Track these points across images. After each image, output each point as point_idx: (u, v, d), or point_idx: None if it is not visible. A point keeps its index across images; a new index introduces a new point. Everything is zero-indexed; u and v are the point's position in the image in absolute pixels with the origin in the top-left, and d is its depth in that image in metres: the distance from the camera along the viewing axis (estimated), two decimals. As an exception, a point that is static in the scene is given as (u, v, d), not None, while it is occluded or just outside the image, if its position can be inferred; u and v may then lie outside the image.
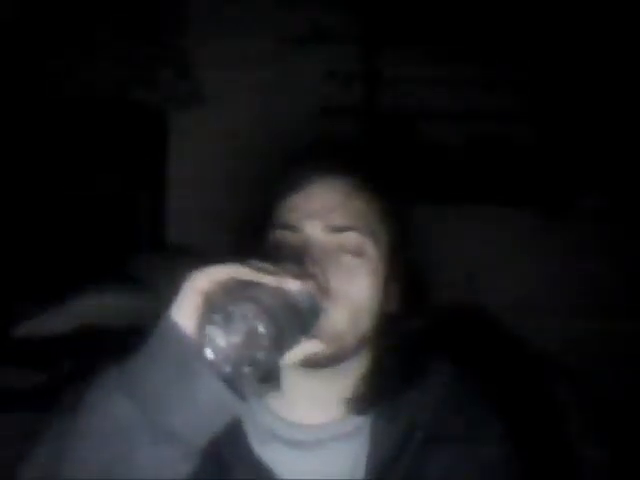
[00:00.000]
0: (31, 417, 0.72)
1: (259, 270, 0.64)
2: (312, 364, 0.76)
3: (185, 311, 0.62)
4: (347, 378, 0.81)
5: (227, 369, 0.59)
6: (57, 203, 1.92)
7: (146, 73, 1.93)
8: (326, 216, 0.77)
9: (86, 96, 1.91)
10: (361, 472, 0.80)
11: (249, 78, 1.93)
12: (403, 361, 0.82)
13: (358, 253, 0.77)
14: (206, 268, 0.63)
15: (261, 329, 0.58)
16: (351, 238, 0.77)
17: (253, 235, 0.81)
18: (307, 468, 0.80)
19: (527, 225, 1.91)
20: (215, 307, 0.60)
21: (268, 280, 0.64)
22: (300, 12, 1.93)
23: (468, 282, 1.71)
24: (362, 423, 0.81)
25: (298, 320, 0.64)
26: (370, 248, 0.78)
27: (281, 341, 0.60)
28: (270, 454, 0.80)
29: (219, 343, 0.59)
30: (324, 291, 0.72)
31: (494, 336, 1.61)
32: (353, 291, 0.76)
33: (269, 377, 0.82)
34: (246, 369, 0.59)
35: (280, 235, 0.79)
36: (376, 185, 0.82)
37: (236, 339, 0.58)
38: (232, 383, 0.62)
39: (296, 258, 0.73)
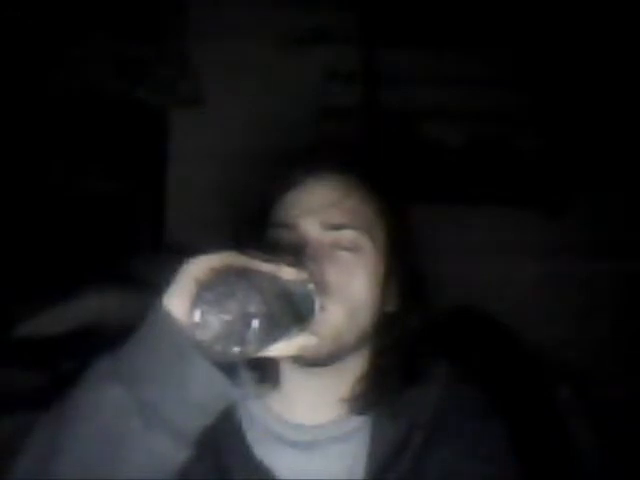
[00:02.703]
0: (31, 417, 0.72)
1: (254, 258, 0.64)
2: (311, 362, 0.76)
3: (178, 298, 0.62)
4: (347, 378, 0.81)
5: (218, 348, 0.59)
6: (56, 203, 1.92)
7: (146, 73, 1.93)
8: (322, 213, 0.78)
9: (86, 96, 1.91)
10: (361, 472, 0.80)
11: (249, 78, 1.93)
12: (403, 361, 0.82)
13: (354, 250, 0.78)
14: (200, 256, 0.63)
15: (252, 309, 0.58)
16: (347, 235, 0.78)
17: (252, 234, 0.81)
18: (307, 468, 0.80)
19: (527, 225, 1.91)
20: (207, 286, 0.60)
21: (262, 266, 0.64)
22: (300, 12, 1.92)
23: (467, 282, 1.71)
24: (362, 423, 0.82)
25: (291, 308, 0.64)
26: (367, 245, 0.78)
27: (272, 325, 0.59)
28: (270, 454, 0.81)
29: (209, 321, 0.59)
30: (321, 287, 0.72)
31: (494, 336, 1.61)
32: (350, 288, 0.76)
33: (267, 376, 0.83)
34: (235, 349, 0.58)
35: (277, 233, 0.79)
36: (373, 183, 0.83)
37: (226, 317, 0.58)
38: (226, 370, 0.62)
39: (293, 255, 0.73)
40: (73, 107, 1.93)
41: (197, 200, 1.90)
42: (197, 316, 0.59)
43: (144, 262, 1.75)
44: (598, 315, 1.83)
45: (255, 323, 0.57)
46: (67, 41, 1.88)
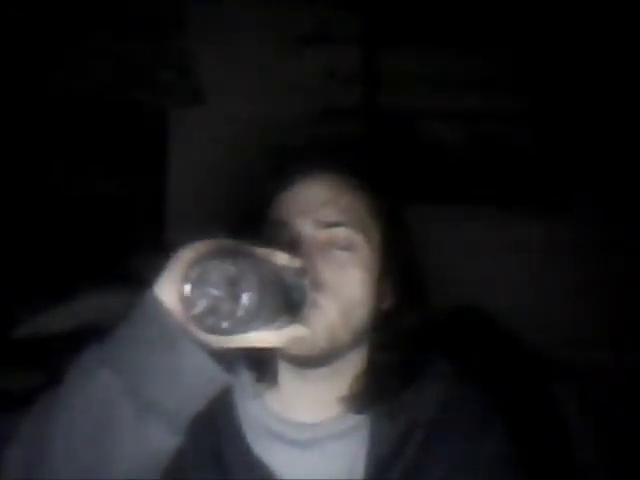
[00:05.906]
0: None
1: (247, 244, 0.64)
2: (307, 362, 0.76)
3: (169, 284, 0.62)
4: (344, 376, 0.82)
5: (207, 322, 0.58)
6: (57, 203, 1.92)
7: (146, 73, 1.93)
8: (316, 212, 0.78)
9: (86, 96, 1.91)
10: (360, 471, 0.80)
11: (249, 78, 1.93)
12: (401, 360, 0.82)
13: (349, 248, 0.78)
14: (193, 243, 0.63)
15: (242, 285, 0.57)
16: (342, 233, 0.78)
17: (250, 233, 0.81)
18: (306, 467, 0.80)
19: (527, 225, 1.91)
20: (198, 263, 0.59)
21: (255, 250, 0.64)
22: (300, 12, 1.93)
23: (467, 281, 1.71)
24: (360, 422, 0.82)
25: (282, 294, 0.64)
26: (361, 243, 0.79)
27: (262, 304, 0.58)
28: (269, 453, 0.81)
29: (199, 295, 0.58)
30: (315, 285, 0.72)
31: (493, 336, 1.61)
32: (344, 285, 0.76)
33: (265, 375, 0.83)
34: (225, 324, 0.58)
35: (273, 231, 0.79)
36: (368, 182, 0.83)
37: (216, 292, 0.58)
38: (217, 355, 0.62)
39: (288, 253, 0.73)
40: (73, 107, 1.93)
41: (197, 199, 1.90)
42: (187, 290, 0.59)
43: (144, 262, 1.75)
44: (598, 314, 1.83)
45: (245, 298, 0.57)
46: (67, 41, 1.88)
